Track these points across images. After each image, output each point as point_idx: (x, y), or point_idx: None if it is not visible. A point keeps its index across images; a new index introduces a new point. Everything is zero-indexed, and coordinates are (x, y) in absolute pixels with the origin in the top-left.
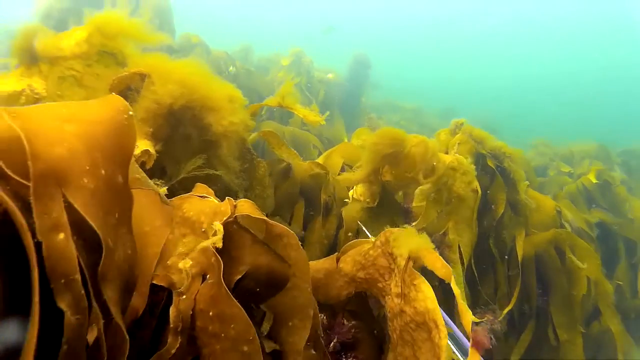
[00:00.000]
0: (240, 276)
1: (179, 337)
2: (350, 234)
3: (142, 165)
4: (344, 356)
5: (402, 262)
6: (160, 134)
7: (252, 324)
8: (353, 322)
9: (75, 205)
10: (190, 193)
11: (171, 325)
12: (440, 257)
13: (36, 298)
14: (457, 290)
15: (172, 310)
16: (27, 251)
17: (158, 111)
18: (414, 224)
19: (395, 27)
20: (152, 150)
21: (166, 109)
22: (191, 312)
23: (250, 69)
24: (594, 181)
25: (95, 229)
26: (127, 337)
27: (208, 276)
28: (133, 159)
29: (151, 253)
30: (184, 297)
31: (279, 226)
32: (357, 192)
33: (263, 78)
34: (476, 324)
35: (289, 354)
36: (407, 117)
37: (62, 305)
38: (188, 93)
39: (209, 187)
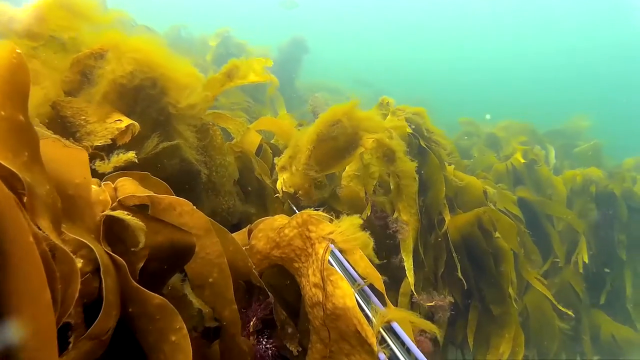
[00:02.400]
0: (143, 262)
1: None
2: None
3: (113, 144)
4: (264, 337)
5: (320, 250)
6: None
7: (177, 311)
8: (269, 298)
9: None
10: None
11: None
12: (365, 257)
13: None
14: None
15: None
16: None
17: (116, 90)
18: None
19: (334, 9)
20: (136, 125)
21: (123, 88)
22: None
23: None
24: (522, 161)
25: (10, 168)
26: (73, 257)
27: (104, 273)
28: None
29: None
30: (85, 301)
31: (166, 197)
32: (287, 183)
33: (191, 57)
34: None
35: (222, 308)
36: (339, 100)
37: None
38: (143, 71)
39: (169, 161)
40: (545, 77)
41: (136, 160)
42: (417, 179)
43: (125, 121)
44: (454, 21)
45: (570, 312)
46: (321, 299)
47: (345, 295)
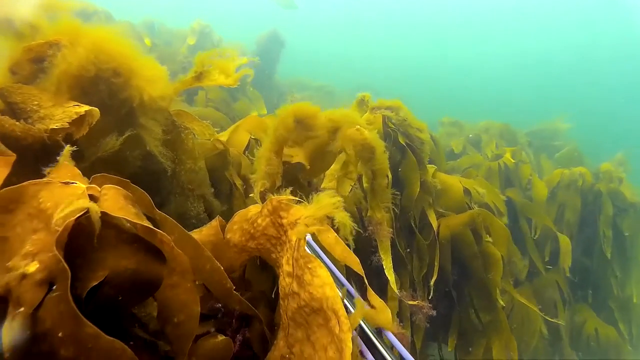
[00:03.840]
0: (96, 282)
1: None
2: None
3: (69, 136)
4: (239, 333)
5: (293, 237)
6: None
7: (116, 345)
8: (247, 294)
9: None
10: (50, 177)
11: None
12: (340, 239)
13: None
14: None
15: (4, 331)
16: None
17: (69, 81)
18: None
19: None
20: (96, 111)
21: (78, 79)
22: (29, 332)
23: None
24: (512, 160)
25: None
26: None
27: (55, 286)
28: None
29: None
30: (21, 310)
31: (147, 227)
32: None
33: (167, 50)
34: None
35: (179, 351)
36: (319, 96)
37: None
38: (101, 60)
39: (130, 152)
40: (530, 76)
41: (75, 147)
42: (389, 177)
43: (85, 107)
44: (442, 19)
45: (560, 322)
46: (293, 289)
47: (324, 284)
